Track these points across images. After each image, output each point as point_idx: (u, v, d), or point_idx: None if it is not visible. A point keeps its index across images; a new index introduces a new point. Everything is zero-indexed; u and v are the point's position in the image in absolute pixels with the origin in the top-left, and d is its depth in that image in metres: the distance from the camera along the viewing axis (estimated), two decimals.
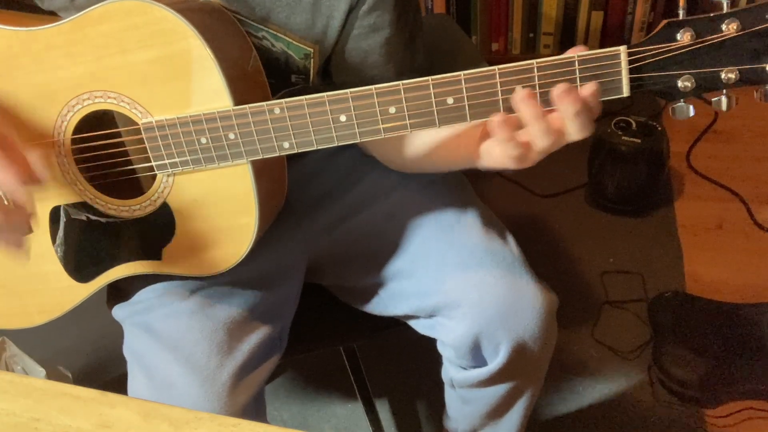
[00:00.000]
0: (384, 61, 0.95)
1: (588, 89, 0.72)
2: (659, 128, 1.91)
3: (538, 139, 0.75)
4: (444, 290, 1.00)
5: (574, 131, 0.74)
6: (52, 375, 1.51)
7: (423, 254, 1.03)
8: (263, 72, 0.89)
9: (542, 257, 1.89)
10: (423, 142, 0.96)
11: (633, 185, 1.92)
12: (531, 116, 0.74)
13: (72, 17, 0.83)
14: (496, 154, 0.79)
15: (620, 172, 1.91)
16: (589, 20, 2.39)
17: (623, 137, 1.89)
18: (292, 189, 1.01)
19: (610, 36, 2.41)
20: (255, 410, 0.99)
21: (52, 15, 0.93)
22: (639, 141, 1.87)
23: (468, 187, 1.12)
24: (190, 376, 0.92)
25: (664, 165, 1.95)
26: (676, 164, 2.09)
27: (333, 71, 0.98)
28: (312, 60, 0.94)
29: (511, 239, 1.04)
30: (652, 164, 1.90)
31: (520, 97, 0.74)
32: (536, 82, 0.74)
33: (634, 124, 1.91)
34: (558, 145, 0.76)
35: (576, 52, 0.74)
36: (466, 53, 1.37)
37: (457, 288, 0.99)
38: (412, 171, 1.05)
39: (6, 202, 0.81)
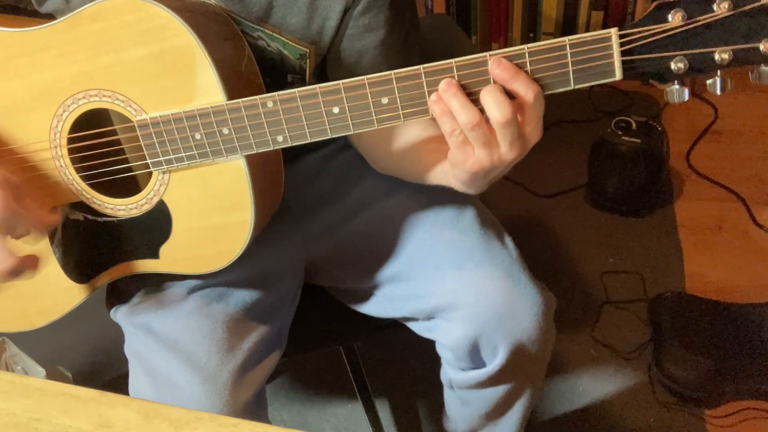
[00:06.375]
0: (379, 61, 0.95)
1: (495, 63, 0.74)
2: (659, 128, 1.90)
3: (459, 116, 0.75)
4: (442, 292, 1.00)
5: (492, 109, 0.74)
6: (52, 375, 1.51)
7: (420, 257, 1.03)
8: (258, 72, 0.89)
9: (542, 257, 1.89)
10: (404, 143, 0.96)
11: (633, 185, 1.92)
12: (447, 95, 0.75)
13: (66, 17, 0.83)
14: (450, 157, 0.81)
15: (620, 172, 1.91)
16: (589, 20, 2.39)
17: (623, 137, 1.88)
18: (290, 191, 1.01)
19: None
20: (257, 408, 0.99)
21: (49, 18, 0.93)
22: (639, 141, 1.87)
23: None
24: (192, 375, 0.93)
25: (664, 165, 1.95)
26: (676, 164, 2.09)
27: (328, 71, 0.98)
28: (308, 60, 0.95)
29: (508, 240, 1.04)
30: (652, 164, 1.90)
31: (441, 87, 0.76)
32: (528, 67, 0.74)
33: (634, 124, 1.91)
34: (492, 145, 0.77)
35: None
36: (465, 53, 1.37)
37: (454, 290, 0.99)
38: (396, 174, 1.05)
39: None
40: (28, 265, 0.82)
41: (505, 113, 0.74)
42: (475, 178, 0.82)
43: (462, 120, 0.75)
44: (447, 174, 0.88)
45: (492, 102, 0.74)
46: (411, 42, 0.98)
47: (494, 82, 0.75)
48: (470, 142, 0.77)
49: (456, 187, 0.88)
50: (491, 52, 0.74)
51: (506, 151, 0.77)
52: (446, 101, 0.76)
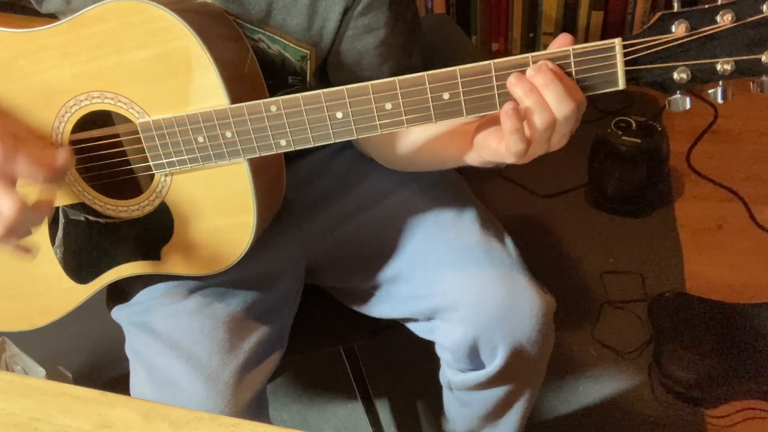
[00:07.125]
0: (379, 62, 0.95)
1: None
2: (659, 128, 1.90)
3: (536, 116, 0.74)
4: (441, 293, 1.00)
5: (554, 103, 0.73)
6: (52, 375, 1.51)
7: (421, 257, 1.03)
8: (260, 73, 0.89)
9: (542, 257, 1.89)
10: (416, 138, 0.96)
11: (633, 185, 1.92)
12: (523, 92, 0.73)
13: (69, 18, 0.83)
14: (493, 146, 0.79)
15: (620, 172, 1.91)
16: (589, 20, 2.39)
17: (623, 137, 1.89)
18: (292, 190, 1.01)
19: (610, 36, 2.41)
20: (258, 408, 0.99)
21: (51, 18, 0.93)
22: (639, 141, 1.87)
23: (466, 189, 1.12)
24: (194, 375, 0.93)
25: (664, 165, 1.95)
26: (676, 164, 2.09)
27: (329, 72, 0.98)
28: (309, 62, 0.95)
29: (509, 241, 1.04)
30: (652, 164, 1.90)
31: (511, 81, 0.74)
32: None
33: (634, 124, 1.91)
34: (552, 136, 0.76)
35: (563, 40, 0.74)
36: (466, 53, 1.37)
37: (454, 290, 0.99)
38: (405, 168, 1.05)
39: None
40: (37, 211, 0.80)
41: (570, 104, 0.73)
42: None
43: (542, 120, 0.74)
44: (467, 158, 0.86)
45: (555, 96, 0.73)
46: (412, 42, 0.97)
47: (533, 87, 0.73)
48: (529, 141, 0.76)
49: (474, 164, 0.87)
50: (495, 60, 0.74)
51: (556, 142, 0.77)
52: (540, 90, 0.73)
